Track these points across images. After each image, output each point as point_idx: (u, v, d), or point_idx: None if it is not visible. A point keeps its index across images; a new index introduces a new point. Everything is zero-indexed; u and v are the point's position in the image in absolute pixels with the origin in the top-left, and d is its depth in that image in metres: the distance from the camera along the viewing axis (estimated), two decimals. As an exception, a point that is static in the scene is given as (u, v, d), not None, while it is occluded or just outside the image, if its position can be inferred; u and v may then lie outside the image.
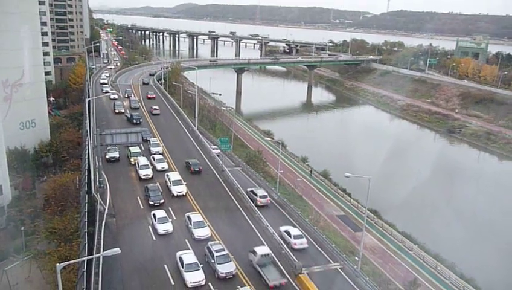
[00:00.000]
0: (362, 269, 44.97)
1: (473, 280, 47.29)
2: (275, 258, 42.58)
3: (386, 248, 52.70)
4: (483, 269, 47.25)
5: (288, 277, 41.94)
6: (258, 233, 49.67)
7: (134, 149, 67.12)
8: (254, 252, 41.82)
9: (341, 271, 44.66)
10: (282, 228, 50.15)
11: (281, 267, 42.01)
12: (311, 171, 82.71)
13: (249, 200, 54.14)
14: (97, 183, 55.08)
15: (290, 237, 48.36)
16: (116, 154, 64.72)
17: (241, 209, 55.04)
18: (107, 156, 63.94)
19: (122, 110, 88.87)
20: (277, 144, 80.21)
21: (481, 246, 50.75)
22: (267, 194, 57.00)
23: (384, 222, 59.38)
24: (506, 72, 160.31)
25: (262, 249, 42.15)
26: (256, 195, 55.40)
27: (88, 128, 67.09)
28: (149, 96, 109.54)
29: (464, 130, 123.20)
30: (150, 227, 48.20)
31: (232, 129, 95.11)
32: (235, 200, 57.33)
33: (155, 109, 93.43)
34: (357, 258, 46.04)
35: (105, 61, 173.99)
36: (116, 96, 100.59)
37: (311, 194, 67.21)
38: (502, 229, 60.51)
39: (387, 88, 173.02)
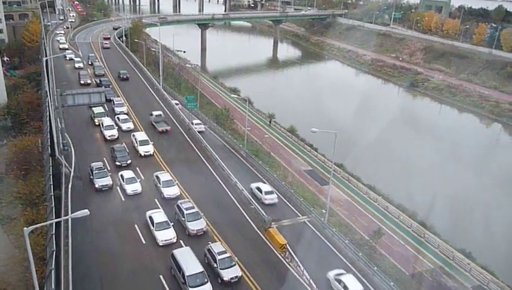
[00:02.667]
0: (329, 221, 46.55)
1: (433, 227, 49.87)
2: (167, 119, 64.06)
3: (352, 200, 54.52)
4: (441, 216, 49.74)
5: (258, 231, 43.03)
6: (227, 190, 50.23)
7: (97, 110, 65.36)
8: (151, 115, 65.54)
9: (309, 224, 46.10)
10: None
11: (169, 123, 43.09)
12: (270, 121, 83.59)
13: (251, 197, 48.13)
14: (60, 145, 53.67)
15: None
16: (107, 181, 47.07)
17: (209, 167, 55.26)
18: (97, 185, 46.53)
19: (89, 81, 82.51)
20: (244, 101, 79.85)
21: (439, 195, 53.15)
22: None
23: (350, 175, 61.09)
24: (467, 26, 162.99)
25: (156, 112, 66.24)
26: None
27: (48, 89, 64.50)
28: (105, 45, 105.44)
29: (427, 84, 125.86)
30: (118, 188, 47.82)
31: (198, 87, 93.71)
32: (203, 158, 57.38)
33: (123, 74, 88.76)
34: (324, 211, 47.51)
35: (61, 17, 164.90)
36: (81, 65, 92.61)
37: (279, 150, 67.94)
38: (458, 177, 63.36)
39: (353, 43, 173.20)
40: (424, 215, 51.71)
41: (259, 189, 50.21)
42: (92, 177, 47.73)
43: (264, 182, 52.75)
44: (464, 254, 45.44)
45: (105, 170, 48.60)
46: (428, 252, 44.98)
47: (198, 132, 65.16)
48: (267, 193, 49.46)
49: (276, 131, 77.99)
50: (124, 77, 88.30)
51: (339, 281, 35.69)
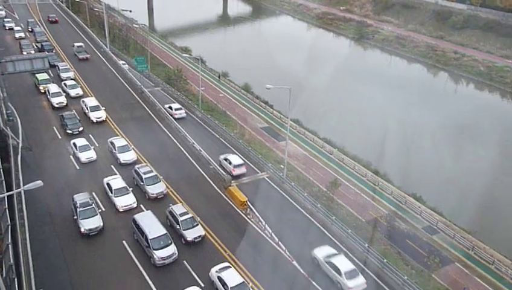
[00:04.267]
0: (287, 175, 47.53)
1: (387, 175, 52.05)
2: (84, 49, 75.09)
3: (309, 154, 55.66)
4: (393, 163, 51.86)
5: (218, 190, 43.42)
6: (184, 151, 49.93)
7: (42, 76, 62.06)
8: (73, 46, 74.44)
9: (268, 180, 46.92)
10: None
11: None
12: (219, 76, 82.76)
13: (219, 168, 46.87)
14: (5, 116, 50.95)
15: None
16: (97, 223, 35.96)
17: (165, 129, 54.50)
18: (82, 229, 35.32)
19: (32, 51, 77.18)
20: (196, 61, 78.13)
21: (391, 143, 55.05)
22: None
23: (306, 130, 62.05)
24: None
25: (77, 44, 77.19)
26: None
27: (-16, 56, 60.21)
28: (50, 19, 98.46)
29: (377, 36, 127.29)
30: (71, 157, 46.40)
31: (147, 48, 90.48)
32: (158, 121, 56.42)
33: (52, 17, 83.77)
34: (282, 166, 48.34)
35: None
36: (22, 35, 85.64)
37: (234, 109, 67.67)
38: (410, 124, 65.51)
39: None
40: (377, 164, 53.74)
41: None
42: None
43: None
44: (415, 198, 47.95)
45: (93, 206, 37.21)
46: (383, 198, 47.15)
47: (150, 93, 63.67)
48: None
49: (230, 89, 77.33)
50: (53, 20, 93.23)
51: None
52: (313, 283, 32.93)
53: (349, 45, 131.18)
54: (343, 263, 33.43)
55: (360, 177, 51.19)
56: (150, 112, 59.32)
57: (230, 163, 47.53)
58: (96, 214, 36.64)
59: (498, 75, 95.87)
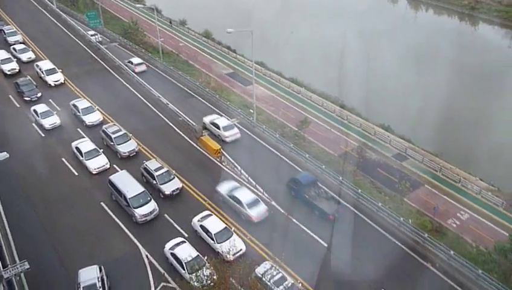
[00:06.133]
0: (258, 119, 47.57)
1: (355, 109, 52.78)
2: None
3: (277, 95, 55.52)
4: (361, 97, 52.44)
5: (191, 141, 43.28)
6: (151, 106, 49.07)
7: (-13, 43, 58.61)
8: None
9: (239, 125, 46.91)
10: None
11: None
12: (170, 22, 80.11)
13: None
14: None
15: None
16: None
17: (128, 85, 53.14)
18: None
19: None
20: (151, 11, 74.82)
21: (358, 76, 55.33)
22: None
23: (272, 72, 61.47)
24: None
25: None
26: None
27: None
28: None
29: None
30: (34, 124, 44.91)
31: (97, 1, 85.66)
32: (119, 78, 54.88)
33: None
34: (251, 111, 48.25)
35: None
36: None
37: (197, 57, 65.97)
38: (372, 57, 65.68)
39: None
40: (345, 99, 54.25)
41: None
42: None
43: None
44: (383, 128, 49.05)
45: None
46: (352, 132, 48.01)
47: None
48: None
49: (190, 38, 74.97)
50: None
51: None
52: (293, 220, 34.04)
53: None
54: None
55: (329, 113, 51.75)
56: (109, 68, 57.35)
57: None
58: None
59: None
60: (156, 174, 36.30)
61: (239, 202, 34.19)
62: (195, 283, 23.31)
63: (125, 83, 53.74)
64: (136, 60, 59.44)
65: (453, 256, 30.33)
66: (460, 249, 31.80)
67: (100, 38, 66.33)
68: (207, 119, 46.02)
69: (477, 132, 47.66)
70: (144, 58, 62.11)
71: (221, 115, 47.52)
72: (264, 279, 26.86)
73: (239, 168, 39.88)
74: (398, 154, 44.40)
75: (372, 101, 52.14)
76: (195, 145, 42.93)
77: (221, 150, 41.79)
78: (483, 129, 47.90)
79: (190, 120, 45.52)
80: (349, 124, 49.38)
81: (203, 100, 51.42)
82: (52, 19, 72.28)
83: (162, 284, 28.71)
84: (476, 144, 46.07)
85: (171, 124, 46.23)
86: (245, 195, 34.72)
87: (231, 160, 41.08)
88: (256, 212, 33.71)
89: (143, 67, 58.26)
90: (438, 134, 46.09)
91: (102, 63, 58.90)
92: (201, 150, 42.18)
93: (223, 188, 36.01)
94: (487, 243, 32.04)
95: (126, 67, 56.43)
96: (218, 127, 44.26)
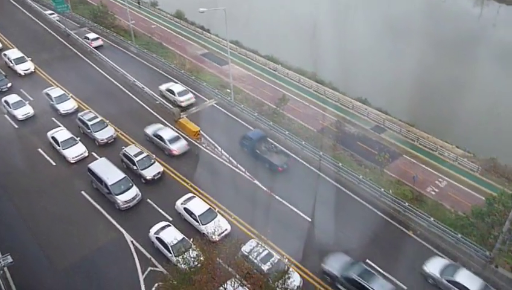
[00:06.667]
0: (235, 98, 47.30)
1: (332, 83, 52.92)
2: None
3: (253, 74, 55.13)
4: (337, 71, 52.56)
5: (169, 124, 42.89)
6: (127, 91, 48.26)
7: None
8: None
9: (217, 106, 46.65)
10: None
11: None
12: (138, 3, 78.40)
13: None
14: None
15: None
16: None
17: (101, 71, 52.07)
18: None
19: None
20: (120, -7, 72.84)
21: (328, 50, 55.30)
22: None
23: (247, 50, 60.89)
24: None
25: None
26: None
27: None
28: None
29: None
30: (6, 116, 43.73)
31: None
32: (92, 64, 53.64)
33: None
34: (228, 90, 47.90)
35: None
36: None
37: (170, 39, 64.73)
38: (349, 32, 65.74)
39: None
40: (321, 74, 54.30)
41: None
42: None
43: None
44: (361, 102, 49.41)
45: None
46: (330, 106, 48.24)
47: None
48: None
49: (162, 19, 73.40)
50: None
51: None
52: (276, 196, 34.32)
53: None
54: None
55: (306, 89, 51.78)
56: (81, 55, 56.00)
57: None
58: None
59: None
60: (136, 159, 35.95)
61: (162, 139, 38.90)
62: (183, 265, 23.38)
63: (98, 69, 52.64)
64: (91, 35, 59.69)
65: (433, 223, 31.19)
66: (440, 215, 32.71)
67: (58, 18, 65.01)
68: (163, 87, 48.02)
69: (451, 101, 48.45)
70: (116, 41, 60.75)
71: (176, 83, 49.01)
72: (250, 257, 27.17)
73: (219, 148, 39.80)
74: (377, 127, 44.93)
75: (348, 75, 52.34)
76: (173, 128, 42.56)
77: (200, 131, 41.59)
78: (457, 97, 48.72)
79: (167, 103, 44.99)
80: (327, 99, 49.60)
81: (179, 82, 50.74)
82: (17, 5, 69.70)
83: (150, 268, 28.77)
84: (450, 113, 46.92)
85: (148, 108, 45.64)
86: (167, 133, 39.46)
87: (211, 141, 40.93)
88: (177, 147, 38.62)
89: (99, 42, 58.74)
90: (413, 104, 46.67)
91: (73, 49, 57.49)
92: (180, 132, 41.85)
93: (149, 129, 40.40)
94: (465, 208, 32.99)
95: (99, 52, 55.16)
96: (173, 93, 46.57)
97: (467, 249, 29.49)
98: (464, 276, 26.84)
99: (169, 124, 42.87)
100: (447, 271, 27.47)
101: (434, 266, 28.07)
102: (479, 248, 28.92)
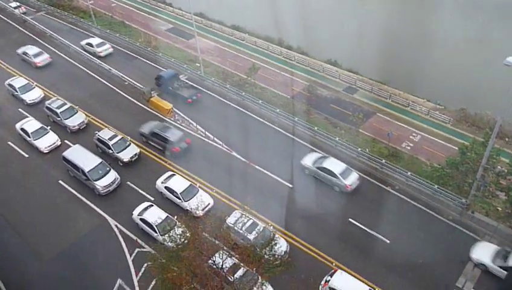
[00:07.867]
0: (205, 72, 46.65)
1: (301, 48, 52.65)
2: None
3: (221, 45, 54.24)
4: (305, 35, 52.27)
5: (141, 104, 42.21)
6: (94, 75, 47.00)
7: None
8: None
9: (188, 81, 45.91)
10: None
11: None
12: None
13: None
14: None
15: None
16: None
17: (65, 56, 50.49)
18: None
19: None
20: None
21: (292, 13, 54.68)
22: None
23: (213, 22, 59.69)
24: None
25: None
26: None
27: None
28: None
29: None
30: (-31, 111, 42.21)
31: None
32: (53, 49, 51.78)
33: None
34: (198, 64, 47.14)
35: None
36: None
37: (132, 17, 62.74)
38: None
39: None
40: (289, 39, 53.82)
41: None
42: None
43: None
44: (331, 64, 49.42)
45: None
46: (301, 71, 48.15)
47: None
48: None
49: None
50: None
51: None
52: (256, 166, 34.52)
53: None
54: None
55: (276, 56, 51.40)
56: (40, 40, 53.88)
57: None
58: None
59: None
60: (110, 143, 35.39)
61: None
62: (170, 243, 23.48)
63: (61, 54, 50.94)
64: (20, 8, 61.23)
65: (410, 176, 32.02)
66: (416, 169, 33.56)
67: (25, 10, 61.68)
68: (83, 42, 51.84)
69: (419, 55, 48.92)
70: (77, 24, 58.58)
71: (94, 37, 52.51)
72: (236, 228, 27.48)
73: (194, 124, 39.50)
74: (349, 88, 45.20)
75: (315, 38, 52.11)
76: (146, 107, 41.90)
77: (173, 108, 41.09)
78: (425, 52, 49.24)
79: (137, 83, 44.12)
80: (297, 65, 49.42)
81: (146, 60, 49.65)
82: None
83: (137, 250, 28.82)
84: (419, 67, 47.41)
85: (117, 89, 44.66)
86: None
87: (186, 117, 40.51)
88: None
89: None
90: (383, 62, 46.97)
91: (31, 35, 55.23)
92: (153, 111, 41.25)
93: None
94: (440, 159, 33.88)
95: (60, 37, 53.23)
96: (92, 46, 50.48)
97: (444, 198, 30.48)
98: (330, 162, 32.70)
99: (141, 104, 42.16)
100: (317, 161, 33.20)
101: (308, 159, 33.84)
102: (456, 197, 29.92)
